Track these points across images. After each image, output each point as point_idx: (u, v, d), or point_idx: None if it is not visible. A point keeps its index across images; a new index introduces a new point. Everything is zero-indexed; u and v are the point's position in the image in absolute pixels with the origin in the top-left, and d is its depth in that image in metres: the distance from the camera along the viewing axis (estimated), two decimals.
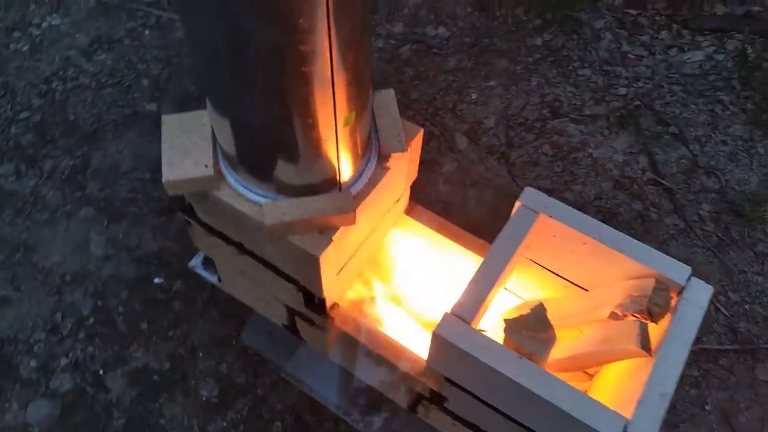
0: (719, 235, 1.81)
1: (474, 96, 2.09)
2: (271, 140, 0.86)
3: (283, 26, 0.68)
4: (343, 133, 0.87)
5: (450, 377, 0.98)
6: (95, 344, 1.58)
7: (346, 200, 0.94)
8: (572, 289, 1.09)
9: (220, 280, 1.37)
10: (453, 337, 0.87)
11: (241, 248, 1.09)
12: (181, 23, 2.24)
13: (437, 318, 1.25)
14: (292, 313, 1.20)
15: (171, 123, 1.01)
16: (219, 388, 1.52)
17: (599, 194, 1.89)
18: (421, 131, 1.08)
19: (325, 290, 1.03)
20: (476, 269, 0.93)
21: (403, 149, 1.01)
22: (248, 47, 0.72)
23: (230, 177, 0.98)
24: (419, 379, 1.06)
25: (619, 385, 0.96)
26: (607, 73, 2.17)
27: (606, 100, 2.10)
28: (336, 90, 0.79)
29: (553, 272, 1.09)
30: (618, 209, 1.86)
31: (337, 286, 1.09)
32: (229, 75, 0.78)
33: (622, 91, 2.13)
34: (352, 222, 0.95)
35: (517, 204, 1.01)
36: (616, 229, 0.97)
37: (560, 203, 1.00)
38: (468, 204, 1.84)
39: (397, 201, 1.17)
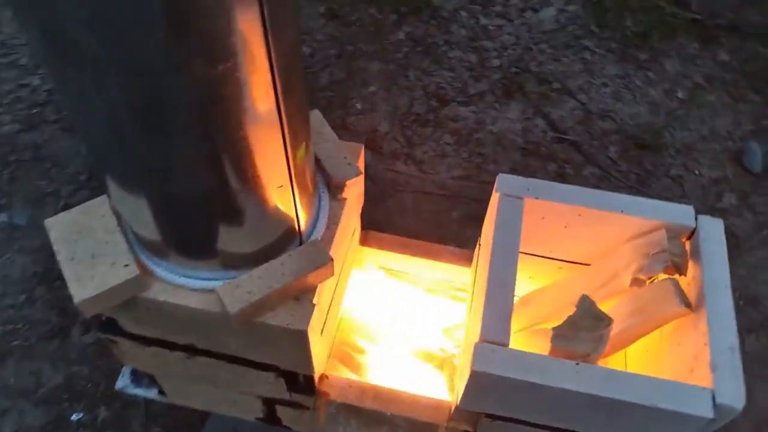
0: (635, 171, 1.84)
1: (359, 106, 1.97)
2: (211, 207, 0.67)
3: (214, 57, 0.51)
4: (298, 171, 0.70)
5: (492, 412, 0.83)
6: None
7: (319, 252, 0.77)
8: (571, 269, 0.99)
9: (162, 392, 1.12)
10: (497, 367, 0.72)
11: (192, 351, 0.87)
12: (61, 88, 1.90)
13: (431, 345, 1.12)
14: (270, 403, 0.99)
15: (60, 226, 0.77)
16: None
17: (513, 166, 1.85)
18: (363, 147, 0.93)
19: (315, 365, 0.84)
20: (484, 283, 0.79)
21: (358, 172, 0.85)
22: (170, 98, 0.53)
23: (160, 269, 0.77)
24: (449, 427, 0.91)
25: (658, 356, 0.88)
26: (475, 50, 2.15)
27: (485, 75, 2.07)
28: (285, 119, 0.62)
29: (543, 257, 0.99)
30: (535, 175, 1.83)
31: (322, 352, 0.91)
32: (143, 141, 0.58)
33: (496, 62, 2.11)
34: (331, 274, 0.78)
35: (496, 196, 0.89)
36: None
37: (540, 181, 0.90)
38: (399, 214, 1.72)
39: (353, 233, 1.01)
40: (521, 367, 0.72)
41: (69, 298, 0.71)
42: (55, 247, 0.75)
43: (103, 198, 0.80)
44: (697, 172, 1.84)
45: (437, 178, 1.81)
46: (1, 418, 1.37)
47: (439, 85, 2.04)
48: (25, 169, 1.78)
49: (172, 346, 0.87)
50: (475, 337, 0.76)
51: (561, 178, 1.82)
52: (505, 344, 0.75)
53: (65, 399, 1.40)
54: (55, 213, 1.10)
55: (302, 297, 0.77)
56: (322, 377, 0.93)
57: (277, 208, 0.71)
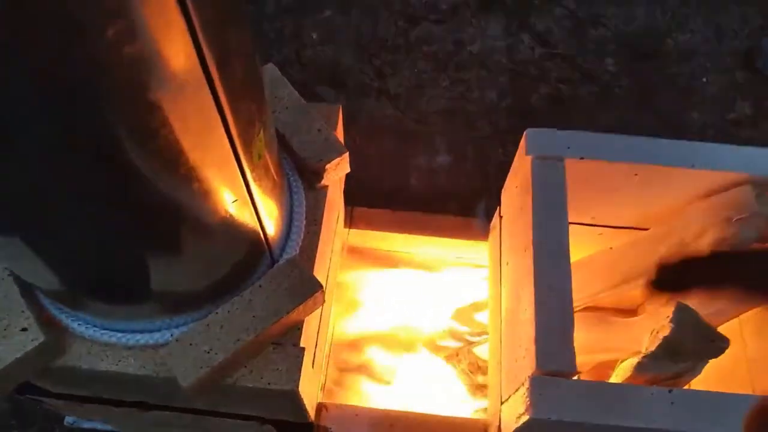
0: (638, 84, 1.62)
1: (314, 35, 1.68)
2: (133, 245, 0.43)
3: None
4: (258, 173, 0.46)
5: None
6: None
7: (302, 277, 0.54)
8: (616, 236, 0.78)
9: None
10: (563, 409, 0.53)
11: (144, 407, 0.66)
12: None
13: (442, 335, 0.93)
14: None
15: None
16: None
17: (501, 93, 1.61)
18: (339, 109, 0.68)
19: (309, 410, 0.64)
20: (529, 288, 0.58)
21: (341, 150, 0.61)
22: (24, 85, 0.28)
23: (78, 324, 0.54)
24: None
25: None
26: None
27: None
28: (226, 104, 0.38)
29: (580, 223, 0.78)
30: (529, 101, 1.60)
31: (315, 386, 0.70)
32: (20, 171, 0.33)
33: None
34: (321, 302, 0.56)
35: (526, 160, 0.66)
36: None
37: (583, 133, 0.68)
38: (380, 168, 1.48)
39: (338, 219, 0.78)
40: (597, 407, 0.53)
41: None
42: None
43: None
44: (704, 80, 1.63)
45: (415, 117, 1.56)
46: None
47: (405, 1, 1.75)
48: None
49: (116, 403, 0.65)
50: (527, 365, 0.56)
51: (556, 100, 1.60)
52: (571, 373, 0.55)
53: (13, 426, 1.18)
54: None
55: (285, 340, 0.55)
56: (320, 408, 0.73)
57: (233, 228, 0.48)
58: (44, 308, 0.54)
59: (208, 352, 0.50)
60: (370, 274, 0.92)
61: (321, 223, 0.61)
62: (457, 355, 0.92)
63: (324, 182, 0.62)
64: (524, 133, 0.68)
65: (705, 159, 0.66)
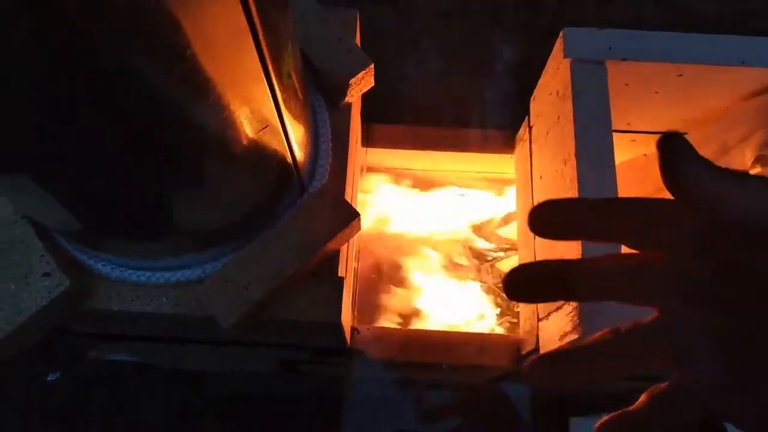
0: None
1: None
2: (159, 173, 0.39)
3: None
4: (288, 94, 0.42)
5: None
6: None
7: (340, 205, 0.51)
8: (650, 142, 0.75)
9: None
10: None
11: (179, 341, 0.64)
12: None
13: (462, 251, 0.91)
14: (287, 363, 0.79)
15: None
16: None
17: None
18: (357, 14, 0.62)
19: (348, 336, 0.62)
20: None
21: (366, 62, 0.56)
22: None
23: (102, 265, 0.51)
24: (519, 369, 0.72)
25: None
26: None
27: None
28: (257, 20, 0.33)
29: (617, 131, 0.74)
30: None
31: (349, 312, 0.69)
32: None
33: None
34: (359, 229, 0.53)
35: (564, 62, 0.61)
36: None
37: (626, 32, 0.62)
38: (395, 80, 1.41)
39: (358, 141, 0.73)
40: None
41: None
42: None
43: None
44: None
45: (418, 16, 1.47)
46: None
47: None
48: None
49: (151, 339, 0.64)
50: None
51: None
52: None
53: (37, 358, 1.19)
54: None
55: (322, 271, 0.53)
56: (352, 332, 0.72)
57: (263, 156, 0.44)
58: (64, 251, 0.51)
59: (247, 289, 0.47)
60: (387, 193, 0.89)
61: (347, 146, 0.57)
62: (479, 271, 0.90)
63: (347, 99, 0.57)
64: (561, 33, 0.62)
65: (758, 56, 0.61)
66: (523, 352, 0.70)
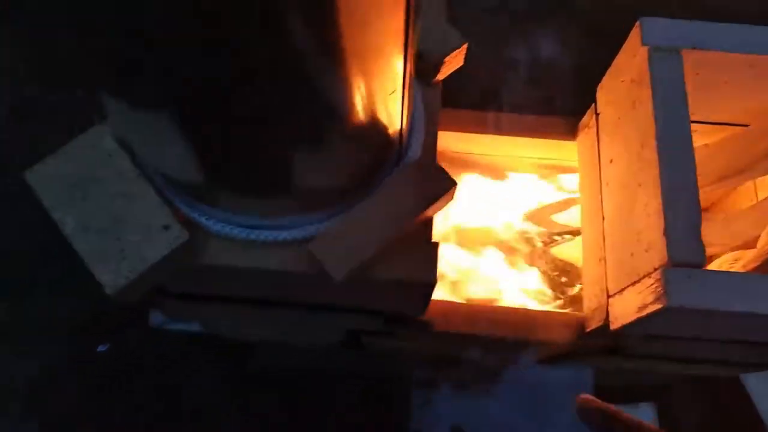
0: None
1: None
2: (293, 125, 0.42)
3: None
4: (409, 62, 0.45)
5: (659, 333, 0.67)
6: None
7: (438, 175, 0.54)
8: (711, 132, 0.77)
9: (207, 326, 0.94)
10: (697, 298, 0.54)
11: (263, 304, 0.67)
12: None
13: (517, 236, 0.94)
14: (353, 334, 0.82)
15: (50, 183, 0.52)
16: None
17: None
18: None
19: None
20: (657, 181, 0.58)
21: (462, 40, 0.59)
22: None
23: (213, 222, 0.54)
24: (580, 344, 0.75)
25: None
26: None
27: None
28: None
29: None
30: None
31: None
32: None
33: None
34: (451, 198, 0.56)
35: (642, 50, 0.64)
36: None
37: (701, 23, 0.65)
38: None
39: None
40: (732, 295, 0.54)
41: None
42: (55, 216, 0.51)
43: (100, 130, 0.54)
44: None
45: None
46: (18, 358, 1.20)
47: None
48: None
49: (236, 301, 0.67)
50: (651, 258, 0.57)
51: None
52: (702, 264, 0.55)
53: (86, 330, 1.22)
54: None
55: (418, 236, 0.56)
56: None
57: (382, 121, 0.47)
58: (176, 207, 0.54)
59: (356, 246, 0.50)
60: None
61: (437, 123, 0.60)
62: (532, 256, 0.93)
63: (439, 77, 0.60)
64: (637, 22, 0.65)
65: None
66: (588, 330, 0.73)
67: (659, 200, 0.57)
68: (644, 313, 0.58)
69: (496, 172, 0.96)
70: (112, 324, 1.23)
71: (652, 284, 0.57)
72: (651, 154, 0.60)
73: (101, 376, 1.20)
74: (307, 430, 1.16)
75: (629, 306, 0.61)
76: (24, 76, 1.39)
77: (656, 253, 0.57)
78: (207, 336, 1.17)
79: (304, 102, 0.40)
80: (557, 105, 1.30)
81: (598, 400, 0.42)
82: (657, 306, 0.55)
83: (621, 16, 0.78)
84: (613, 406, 0.41)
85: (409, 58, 0.43)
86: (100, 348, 1.22)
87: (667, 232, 0.56)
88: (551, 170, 0.95)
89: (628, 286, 0.63)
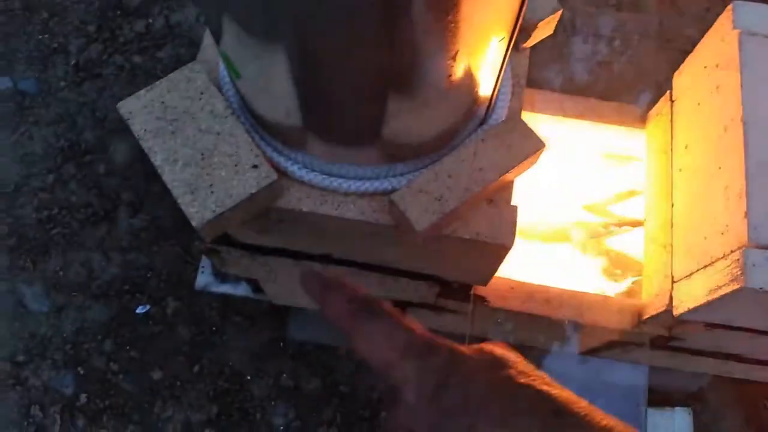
0: None
1: None
2: (397, 69, 0.42)
3: None
4: (524, 10, 0.45)
5: (720, 323, 0.66)
6: (106, 425, 1.15)
7: (526, 135, 0.53)
8: None
9: (259, 290, 0.95)
10: None
11: (326, 260, 0.68)
12: None
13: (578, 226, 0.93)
14: (404, 305, 0.82)
15: (143, 113, 0.53)
16: (294, 407, 1.16)
17: None
18: None
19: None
20: (741, 163, 0.57)
21: (557, 6, 0.59)
22: None
23: (298, 167, 0.54)
24: (635, 332, 0.74)
25: None
26: None
27: None
28: None
29: None
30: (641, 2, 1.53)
31: None
32: None
33: None
34: (536, 161, 0.56)
35: (733, 33, 0.63)
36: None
37: None
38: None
39: None
40: None
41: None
42: (145, 145, 0.52)
43: (195, 66, 0.55)
44: None
45: None
46: (58, 314, 1.22)
47: None
48: (17, 23, 1.45)
49: (299, 256, 0.67)
50: (729, 240, 0.56)
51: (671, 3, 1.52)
52: None
53: (126, 291, 1.24)
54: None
55: (497, 198, 0.55)
56: None
57: (483, 71, 0.47)
58: (262, 150, 0.54)
59: (439, 200, 0.51)
60: None
61: (523, 87, 0.60)
62: (588, 246, 0.92)
63: (530, 42, 0.60)
64: (729, 6, 0.65)
65: None
66: (645, 317, 0.72)
67: (742, 182, 0.57)
68: (716, 295, 0.57)
69: (557, 159, 0.95)
70: (153, 287, 1.25)
71: (728, 266, 0.56)
72: (735, 137, 0.59)
73: (139, 336, 1.22)
74: (336, 402, 1.16)
75: (698, 290, 0.61)
76: None
77: (734, 236, 0.56)
78: (245, 304, 1.18)
79: (415, 47, 0.40)
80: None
81: (320, 271, 0.39)
82: (733, 287, 0.54)
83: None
84: (336, 278, 0.38)
85: (522, 11, 0.43)
86: (140, 309, 1.24)
87: (749, 214, 0.55)
88: (612, 160, 0.94)
89: (698, 270, 0.62)
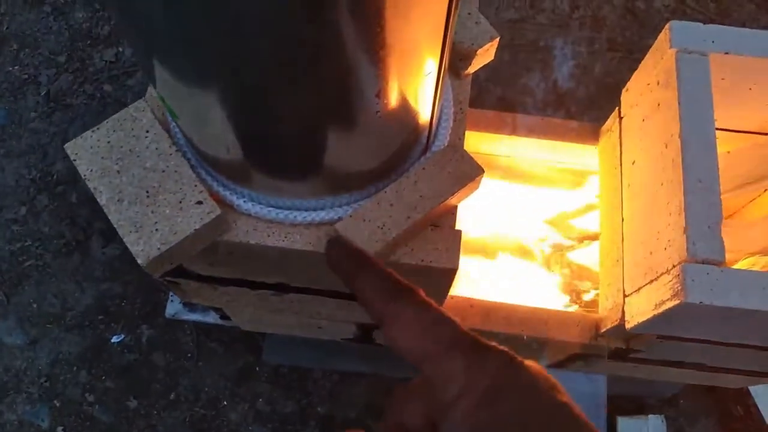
0: None
1: None
2: (330, 106, 0.44)
3: None
4: (447, 48, 0.46)
5: (671, 335, 0.67)
6: None
7: (464, 161, 0.55)
8: (732, 140, 0.78)
9: (225, 317, 0.95)
10: (716, 295, 0.55)
11: (282, 289, 0.68)
12: None
13: (535, 241, 0.94)
14: (367, 327, 0.83)
15: (89, 153, 0.54)
16: (271, 429, 1.16)
17: (575, 4, 1.57)
18: None
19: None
20: (680, 179, 0.59)
21: (495, 34, 0.60)
22: None
23: (244, 201, 0.55)
24: (593, 345, 0.76)
25: None
26: None
27: None
28: None
29: None
30: (600, 14, 1.56)
31: None
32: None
33: None
34: (477, 187, 0.57)
35: (669, 53, 0.65)
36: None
37: (728, 29, 0.66)
38: None
39: None
40: (751, 293, 0.55)
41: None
42: (91, 185, 0.53)
43: (140, 104, 0.56)
44: None
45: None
46: (33, 347, 1.21)
47: None
48: None
49: (255, 286, 0.68)
50: (670, 256, 0.58)
51: (630, 14, 1.55)
52: (722, 262, 0.56)
53: (100, 321, 1.24)
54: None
55: (442, 223, 0.57)
56: None
57: (415, 104, 0.48)
58: (208, 184, 0.55)
59: (381, 228, 0.52)
60: None
61: (465, 114, 0.61)
62: (549, 261, 0.94)
63: (470, 69, 0.62)
64: (666, 25, 0.67)
65: None
66: (602, 330, 0.73)
67: (681, 198, 0.58)
68: (661, 309, 0.58)
69: (515, 176, 0.97)
70: (128, 316, 1.25)
71: (670, 281, 0.57)
72: (675, 153, 0.61)
73: (114, 365, 1.22)
74: (314, 424, 1.16)
75: (645, 304, 0.62)
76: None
77: (676, 251, 0.58)
78: (219, 329, 1.18)
79: (341, 85, 0.41)
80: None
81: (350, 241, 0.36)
82: (675, 302, 0.56)
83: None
84: (368, 253, 0.36)
85: (447, 45, 0.44)
86: (115, 338, 1.24)
87: (688, 229, 0.57)
88: (570, 175, 0.96)
89: (645, 285, 0.63)
